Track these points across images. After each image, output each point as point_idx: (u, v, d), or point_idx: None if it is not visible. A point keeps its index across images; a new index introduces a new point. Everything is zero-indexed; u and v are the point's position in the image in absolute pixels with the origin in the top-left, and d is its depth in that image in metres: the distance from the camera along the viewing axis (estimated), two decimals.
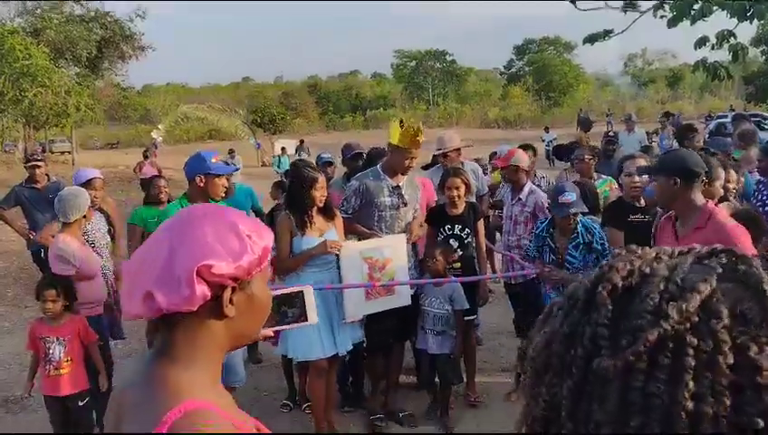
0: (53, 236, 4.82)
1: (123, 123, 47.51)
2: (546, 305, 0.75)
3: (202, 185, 3.88)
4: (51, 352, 3.91)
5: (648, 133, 14.81)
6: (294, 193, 4.10)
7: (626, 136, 11.19)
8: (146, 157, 17.28)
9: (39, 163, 6.85)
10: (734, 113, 18.86)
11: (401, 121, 4.38)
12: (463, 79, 66.37)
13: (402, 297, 4.28)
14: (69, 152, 29.32)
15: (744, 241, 2.86)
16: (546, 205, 4.81)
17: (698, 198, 3.10)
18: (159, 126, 28.08)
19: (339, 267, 4.10)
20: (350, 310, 4.09)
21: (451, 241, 4.61)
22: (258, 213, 5.95)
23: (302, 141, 21.65)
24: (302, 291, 1.62)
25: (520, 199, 5.08)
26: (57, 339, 3.91)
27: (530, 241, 4.61)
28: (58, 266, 4.05)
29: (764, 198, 4.78)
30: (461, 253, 4.62)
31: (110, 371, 4.29)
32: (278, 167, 18.74)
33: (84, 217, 4.37)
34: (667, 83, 64.68)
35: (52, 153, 28.48)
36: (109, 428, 1.23)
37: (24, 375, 5.73)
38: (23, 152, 22.03)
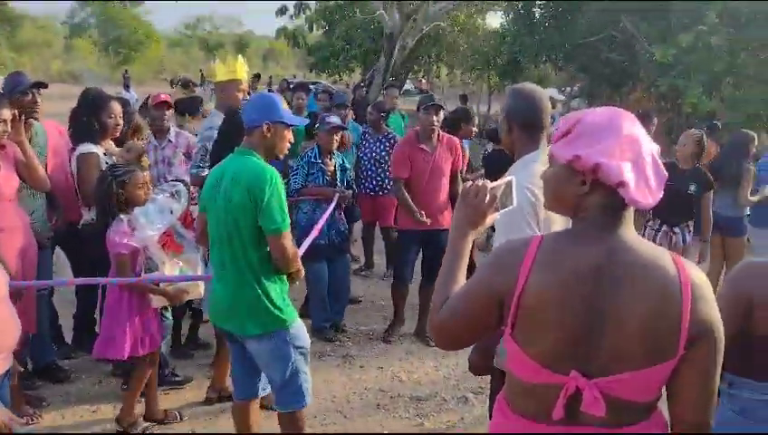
0: None
1: None
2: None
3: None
4: None
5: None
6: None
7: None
8: None
9: None
10: (296, 81, 20.72)
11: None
12: (17, 25, 57.36)
13: None
14: None
15: None
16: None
17: None
18: None
19: None
20: None
21: None
22: None
23: None
24: (511, 180, 1.73)
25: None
26: None
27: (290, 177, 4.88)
28: None
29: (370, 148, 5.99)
30: None
31: None
32: None
33: None
34: (235, 48, 67.31)
35: None
36: None
37: None
38: None
